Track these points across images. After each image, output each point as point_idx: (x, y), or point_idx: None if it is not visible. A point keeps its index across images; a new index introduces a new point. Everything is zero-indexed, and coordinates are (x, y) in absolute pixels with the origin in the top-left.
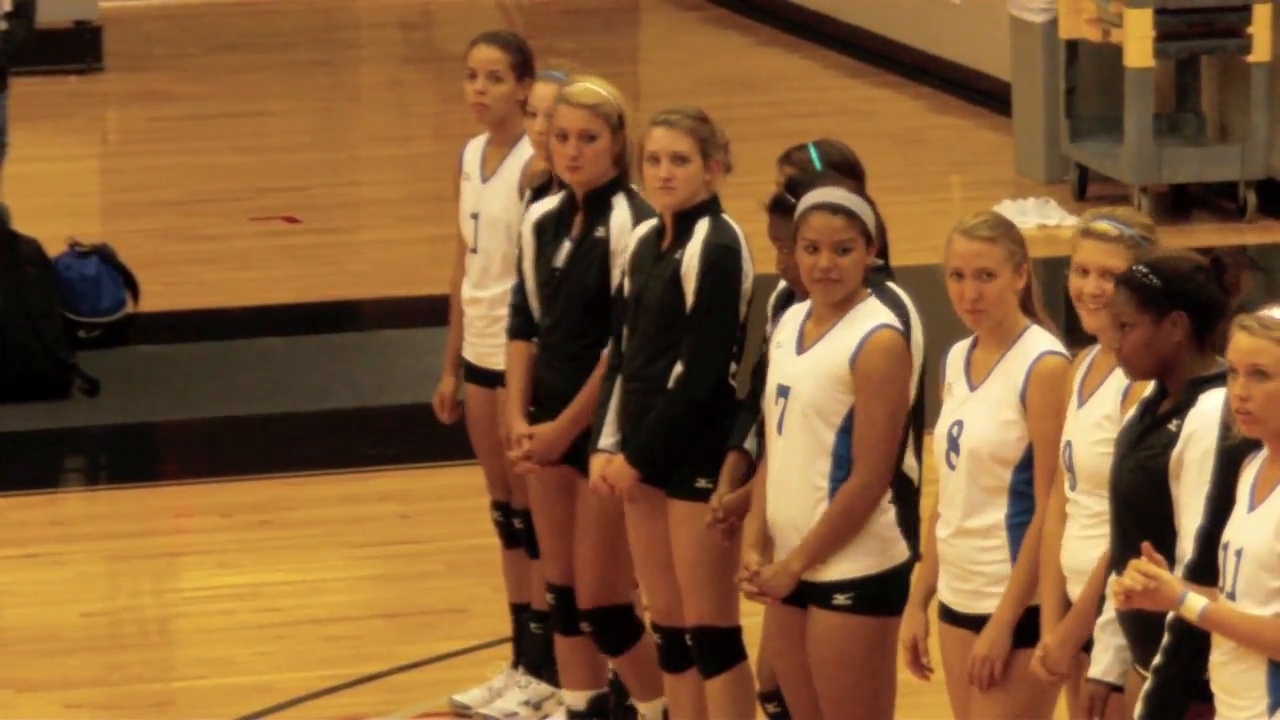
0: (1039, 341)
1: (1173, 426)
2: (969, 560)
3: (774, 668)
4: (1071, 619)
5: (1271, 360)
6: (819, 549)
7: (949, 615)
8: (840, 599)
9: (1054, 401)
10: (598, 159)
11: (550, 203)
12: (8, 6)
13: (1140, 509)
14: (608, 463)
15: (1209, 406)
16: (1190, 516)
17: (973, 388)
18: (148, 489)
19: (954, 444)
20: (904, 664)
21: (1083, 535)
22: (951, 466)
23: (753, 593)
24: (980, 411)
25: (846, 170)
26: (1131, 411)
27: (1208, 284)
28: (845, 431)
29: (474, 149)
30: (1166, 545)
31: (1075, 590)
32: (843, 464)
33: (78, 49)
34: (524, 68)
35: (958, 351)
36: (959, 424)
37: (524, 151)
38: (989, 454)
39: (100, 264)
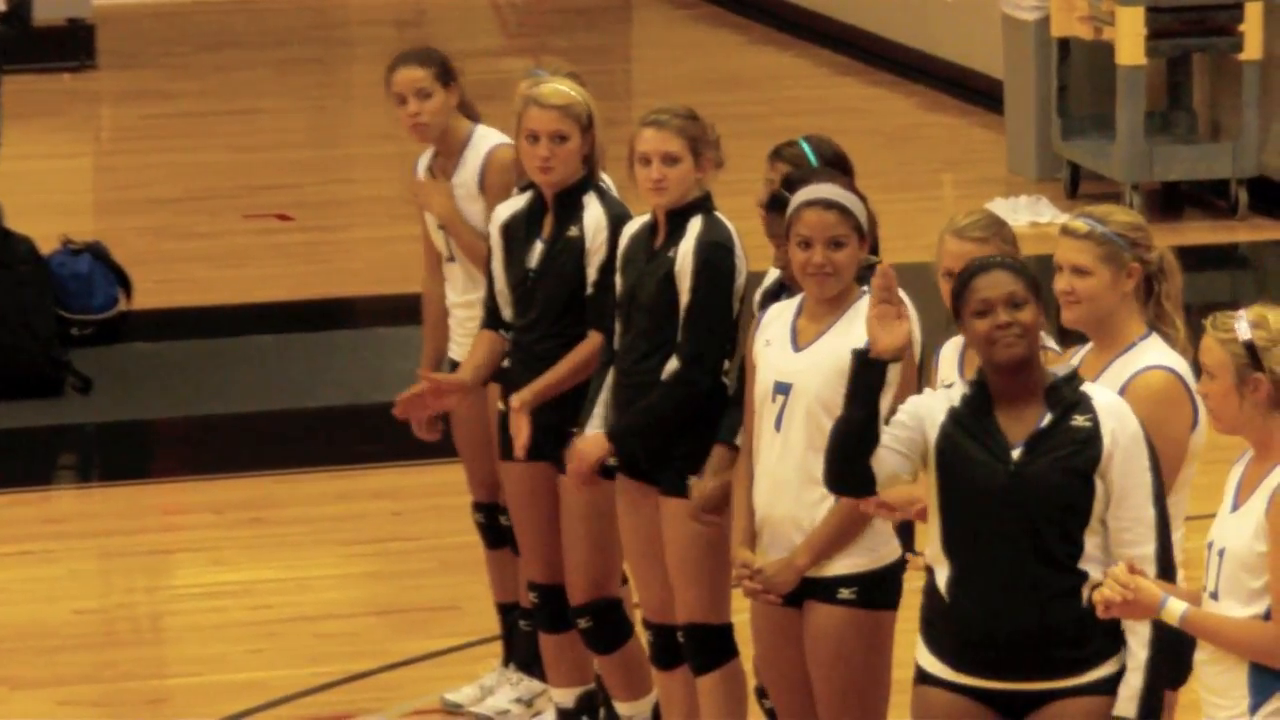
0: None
1: (1082, 421)
2: None
3: (759, 667)
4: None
5: (1214, 361)
6: (827, 544)
7: None
8: (845, 593)
9: None
10: (569, 159)
11: (517, 203)
12: (2, 7)
13: (1055, 507)
14: (583, 436)
15: (1109, 398)
16: (1130, 506)
17: None
18: (140, 486)
19: None
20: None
21: None
22: None
23: (756, 591)
24: None
25: (836, 166)
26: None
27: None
28: None
29: (424, 164)
30: (1074, 541)
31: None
32: None
33: (71, 47)
34: (447, 75)
35: (951, 348)
36: None
37: (475, 152)
38: None
39: (93, 261)
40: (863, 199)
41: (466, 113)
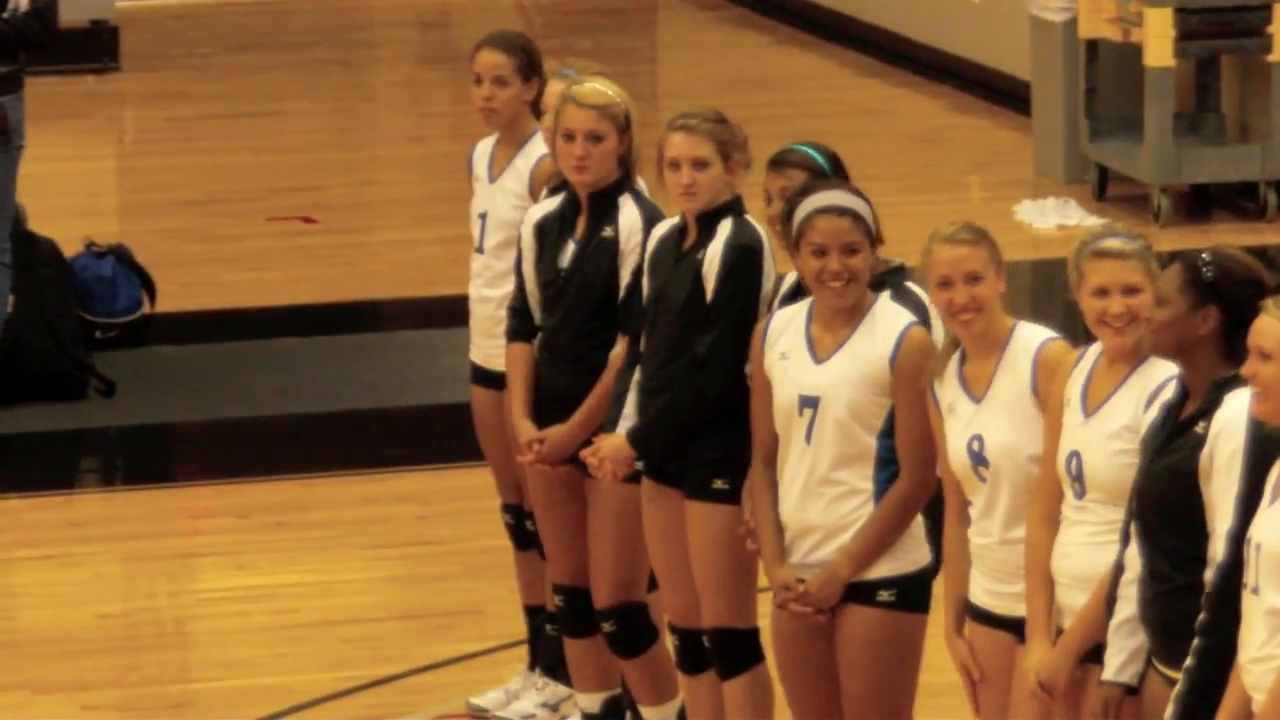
0: (1035, 333)
1: (1200, 428)
2: (1016, 565)
3: (781, 671)
4: (1079, 627)
5: (1274, 342)
6: (869, 551)
7: (986, 618)
8: (885, 595)
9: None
10: (605, 160)
11: (551, 203)
12: (25, 5)
13: (1170, 513)
14: (605, 438)
15: (1235, 406)
16: (1221, 517)
17: (977, 400)
18: (164, 490)
19: (979, 458)
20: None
21: (1095, 542)
22: (982, 480)
23: (804, 612)
24: (998, 421)
25: (835, 168)
26: (1152, 414)
27: (1257, 298)
28: (885, 434)
29: (483, 149)
30: (1197, 547)
31: (1078, 597)
32: (885, 464)
33: (94, 48)
34: (530, 69)
35: (947, 370)
36: (978, 439)
37: (532, 152)
38: (1025, 459)
39: (116, 264)
40: (867, 201)
41: (536, 111)
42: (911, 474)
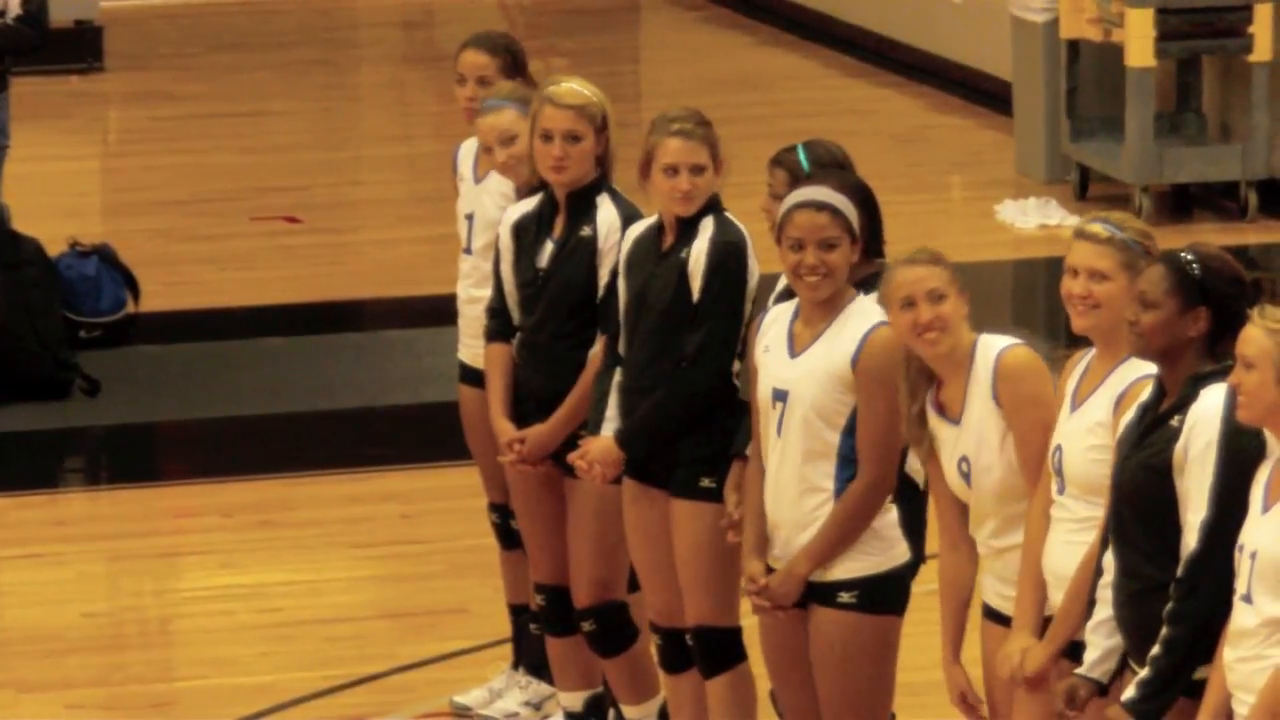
0: (995, 343)
1: (1175, 422)
2: (1016, 570)
3: (768, 669)
4: (1059, 623)
5: (1257, 351)
6: (826, 550)
7: (996, 617)
8: (845, 597)
9: (1027, 393)
10: (583, 160)
11: (528, 204)
12: (16, 9)
13: (1144, 509)
14: (592, 440)
15: (1210, 400)
16: (1194, 508)
17: (956, 422)
18: (149, 489)
19: (968, 478)
20: (960, 712)
21: (1068, 540)
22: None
23: (763, 606)
24: (976, 438)
25: (838, 167)
26: (1130, 414)
27: (1240, 296)
28: (849, 432)
29: (467, 150)
30: (1170, 544)
31: (1058, 595)
32: (848, 464)
33: (78, 48)
34: (514, 69)
35: (925, 402)
36: (964, 459)
37: None
38: (1004, 477)
39: (101, 264)
40: (868, 192)
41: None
42: (869, 472)
